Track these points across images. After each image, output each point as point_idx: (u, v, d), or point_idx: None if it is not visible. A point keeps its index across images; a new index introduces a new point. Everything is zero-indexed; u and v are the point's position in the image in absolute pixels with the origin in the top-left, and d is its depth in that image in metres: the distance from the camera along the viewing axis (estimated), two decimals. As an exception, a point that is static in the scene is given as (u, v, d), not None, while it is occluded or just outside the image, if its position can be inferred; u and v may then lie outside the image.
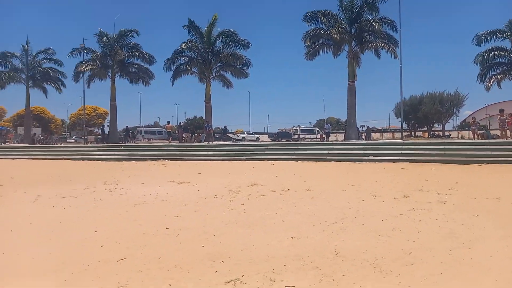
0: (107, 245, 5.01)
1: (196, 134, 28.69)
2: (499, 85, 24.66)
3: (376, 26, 23.42)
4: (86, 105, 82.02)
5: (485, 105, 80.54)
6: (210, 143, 26.43)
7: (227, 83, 30.98)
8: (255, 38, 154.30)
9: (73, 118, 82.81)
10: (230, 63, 29.11)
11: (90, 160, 24.78)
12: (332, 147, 21.41)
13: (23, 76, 35.08)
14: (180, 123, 29.77)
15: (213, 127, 37.48)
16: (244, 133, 53.09)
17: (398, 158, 18.13)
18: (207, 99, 29.34)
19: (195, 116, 68.65)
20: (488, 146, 17.67)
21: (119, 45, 31.03)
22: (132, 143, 33.20)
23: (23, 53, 35.07)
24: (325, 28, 25.47)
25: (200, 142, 27.50)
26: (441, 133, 56.32)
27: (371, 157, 18.97)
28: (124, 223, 6.26)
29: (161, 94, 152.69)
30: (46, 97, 37.27)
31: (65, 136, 63.56)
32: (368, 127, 32.44)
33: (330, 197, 8.37)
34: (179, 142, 28.39)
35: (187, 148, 25.09)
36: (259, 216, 6.60)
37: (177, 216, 6.70)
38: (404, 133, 62.58)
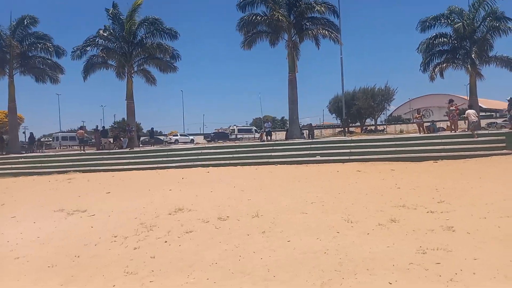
0: None
1: (117, 139, 24.51)
2: (442, 74, 23.97)
3: (319, 9, 21.42)
4: (-6, 109, 71.99)
5: (408, 99, 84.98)
6: (134, 149, 22.63)
7: (151, 79, 26.75)
8: (183, 30, 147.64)
9: (-18, 125, 71.57)
10: (155, 55, 25.20)
11: (-23, 177, 19.79)
12: (274, 148, 19.01)
13: None
14: (96, 126, 25.33)
15: (144, 130, 33.45)
16: (177, 135, 49.14)
17: (347, 157, 16.29)
18: (129, 97, 25.13)
19: (124, 119, 62.93)
20: (439, 141, 16.44)
21: (19, 36, 25.65)
22: (40, 152, 27.97)
23: None
24: (262, 14, 22.98)
25: (122, 148, 23.52)
26: (373, 127, 57.37)
27: (318, 157, 16.90)
28: None
29: (87, 95, 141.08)
30: None
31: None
32: (310, 124, 30.74)
33: (288, 228, 5.67)
34: (97, 149, 24.14)
35: (105, 156, 21.11)
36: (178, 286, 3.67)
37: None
38: (337, 129, 63.51)
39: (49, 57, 26.58)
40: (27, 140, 30.74)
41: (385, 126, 59.05)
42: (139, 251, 4.92)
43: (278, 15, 21.42)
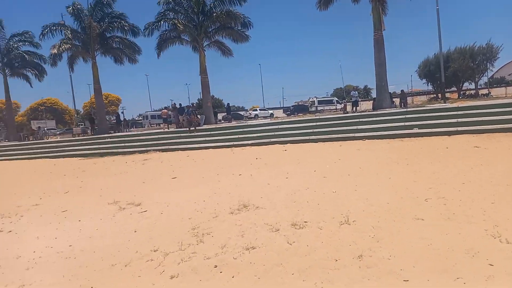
0: None
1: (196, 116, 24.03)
2: None
3: None
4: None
5: (514, 58, 72.14)
6: (210, 127, 21.88)
7: (226, 51, 25.64)
8: (258, 11, 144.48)
9: (87, 108, 79.47)
10: (225, 24, 23.81)
11: (71, 157, 20.92)
12: (360, 120, 16.47)
13: (-1, 64, 30.74)
14: (174, 104, 25.10)
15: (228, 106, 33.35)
16: (257, 110, 48.32)
17: (454, 129, 13.25)
18: (202, 71, 24.24)
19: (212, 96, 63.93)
20: None
21: (97, 16, 26.17)
22: (126, 131, 28.99)
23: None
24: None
25: (199, 125, 22.97)
26: (473, 92, 49.62)
27: (415, 129, 14.09)
28: None
29: (173, 74, 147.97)
30: (31, 86, 33.32)
31: (76, 126, 60.05)
32: (402, 90, 26.93)
33: (400, 250, 3.66)
34: (176, 127, 24.04)
35: (183, 134, 20.69)
36: None
37: None
38: (430, 96, 56.09)
39: (125, 36, 26.81)
40: (113, 120, 32.25)
41: (488, 90, 50.77)
42: (175, 285, 3.40)
43: None
